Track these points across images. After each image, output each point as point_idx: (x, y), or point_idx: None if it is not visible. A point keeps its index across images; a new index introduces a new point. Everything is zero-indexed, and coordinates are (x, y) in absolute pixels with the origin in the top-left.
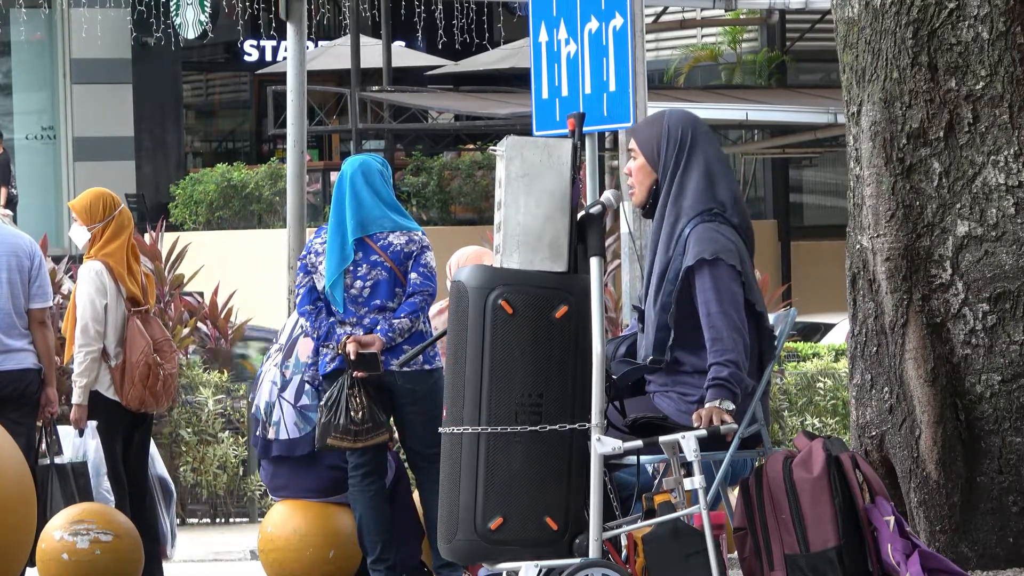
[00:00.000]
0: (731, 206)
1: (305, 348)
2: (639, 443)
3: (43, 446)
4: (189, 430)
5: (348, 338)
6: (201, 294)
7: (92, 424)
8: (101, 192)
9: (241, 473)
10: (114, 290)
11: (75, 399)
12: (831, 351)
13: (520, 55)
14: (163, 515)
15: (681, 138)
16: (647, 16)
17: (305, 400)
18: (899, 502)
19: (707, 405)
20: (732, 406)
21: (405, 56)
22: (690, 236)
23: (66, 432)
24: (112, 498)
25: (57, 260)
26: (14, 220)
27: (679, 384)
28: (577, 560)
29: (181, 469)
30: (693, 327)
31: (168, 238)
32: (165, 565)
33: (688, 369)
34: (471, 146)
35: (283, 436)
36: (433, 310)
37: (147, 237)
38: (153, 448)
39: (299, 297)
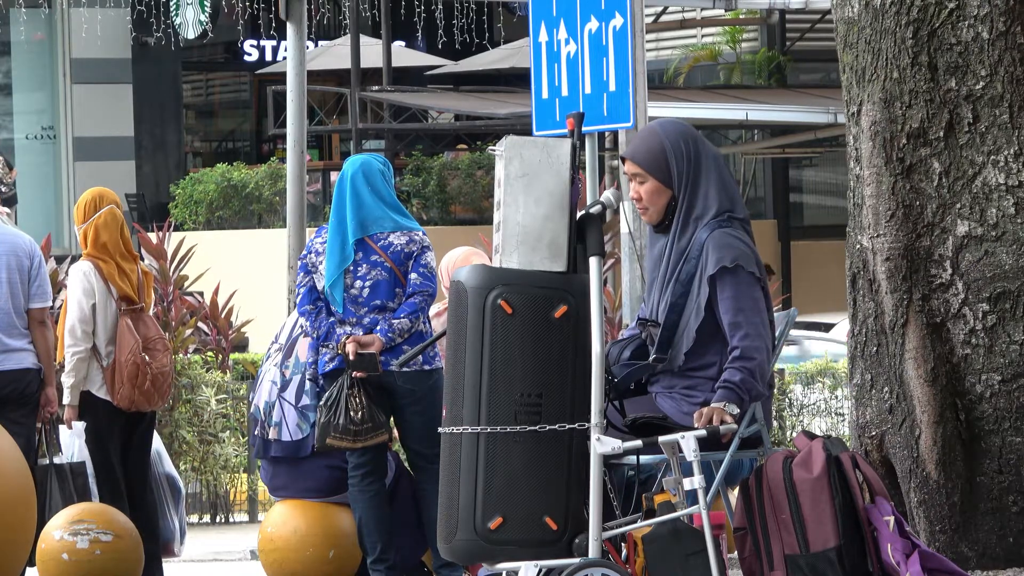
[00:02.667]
0: (739, 207)
1: (305, 348)
2: (639, 443)
3: (43, 446)
4: (189, 430)
5: (347, 338)
6: (201, 294)
7: (79, 424)
8: (90, 192)
9: (241, 473)
10: (103, 290)
11: (65, 399)
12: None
13: (520, 55)
14: (171, 513)
15: (687, 150)
16: (647, 16)
17: (306, 400)
18: (899, 502)
19: (712, 404)
20: (736, 410)
21: (405, 56)
22: (707, 242)
23: (64, 432)
24: (97, 499)
25: (59, 260)
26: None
27: (685, 386)
28: (577, 560)
29: (182, 469)
30: (707, 333)
31: (174, 238)
32: (166, 565)
33: (699, 375)
34: (463, 147)
35: (285, 438)
36: (431, 312)
37: (153, 236)
38: (160, 446)
39: (299, 297)
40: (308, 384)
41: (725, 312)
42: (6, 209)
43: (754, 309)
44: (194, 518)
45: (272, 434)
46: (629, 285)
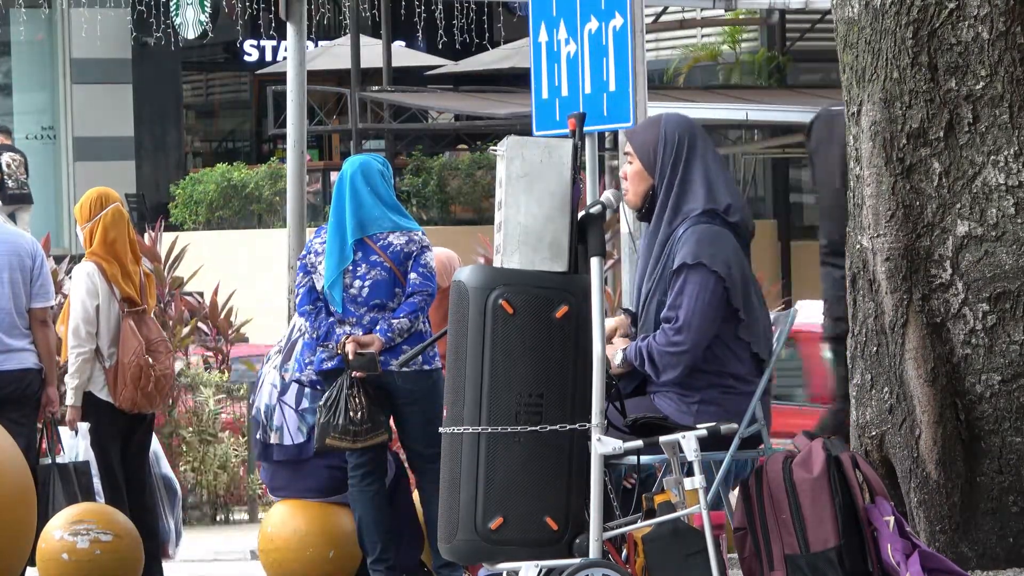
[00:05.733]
0: (731, 206)
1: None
2: (639, 443)
3: (44, 446)
4: (189, 430)
5: (347, 338)
6: (201, 294)
7: (83, 425)
8: (94, 192)
9: (241, 473)
10: (106, 291)
11: (68, 400)
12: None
13: (520, 55)
14: (166, 514)
15: (678, 143)
16: (647, 16)
17: (305, 403)
18: (899, 502)
19: (620, 349)
20: (622, 365)
21: (405, 56)
22: (682, 237)
23: (65, 432)
24: (102, 500)
25: (58, 260)
26: (12, 217)
27: (678, 384)
28: (577, 560)
29: (181, 469)
30: None
31: (167, 238)
32: (165, 565)
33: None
34: (463, 147)
35: (287, 442)
36: None
37: (146, 237)
38: (158, 447)
39: (299, 297)
40: (300, 385)
41: (669, 305)
42: None
43: (702, 311)
44: (194, 518)
45: (274, 438)
46: (629, 285)
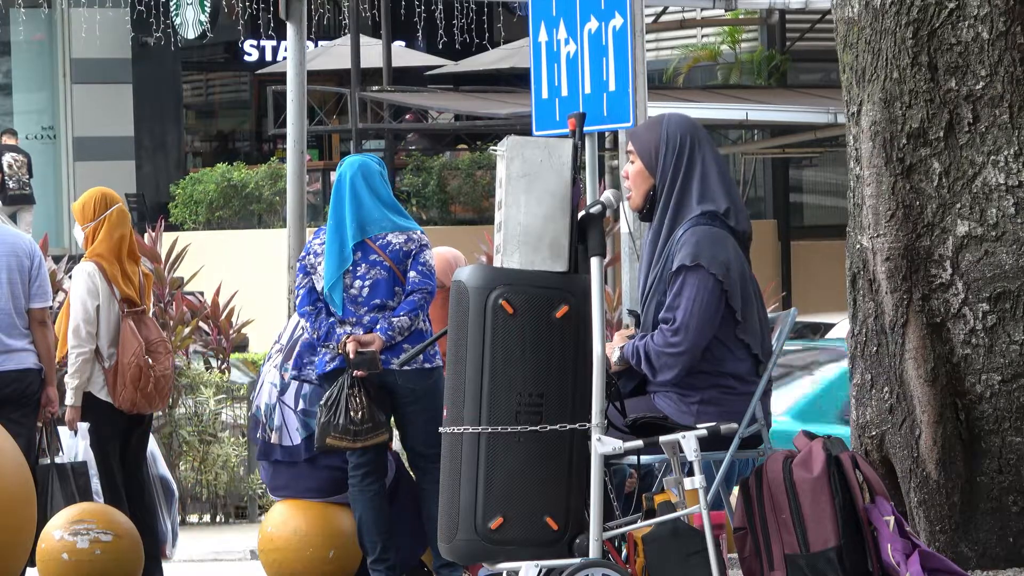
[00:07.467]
0: (731, 209)
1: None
2: (639, 443)
3: (43, 446)
4: (189, 430)
5: (348, 338)
6: (201, 293)
7: (83, 426)
8: (96, 191)
9: (241, 473)
10: (107, 291)
11: (68, 400)
12: None
13: (520, 55)
14: (164, 515)
15: (680, 144)
16: (647, 16)
17: (303, 404)
18: (899, 502)
19: (617, 347)
20: (619, 363)
21: (405, 56)
22: (682, 238)
23: (64, 432)
24: (101, 500)
25: (57, 260)
26: (13, 218)
27: (678, 384)
28: (577, 560)
29: (181, 469)
30: None
31: (167, 238)
32: (165, 565)
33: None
34: (463, 146)
35: (287, 442)
36: None
37: (146, 238)
38: (155, 448)
39: (299, 298)
40: (307, 387)
41: (667, 306)
42: None
43: (700, 312)
44: (194, 518)
45: (274, 438)
46: (629, 285)
